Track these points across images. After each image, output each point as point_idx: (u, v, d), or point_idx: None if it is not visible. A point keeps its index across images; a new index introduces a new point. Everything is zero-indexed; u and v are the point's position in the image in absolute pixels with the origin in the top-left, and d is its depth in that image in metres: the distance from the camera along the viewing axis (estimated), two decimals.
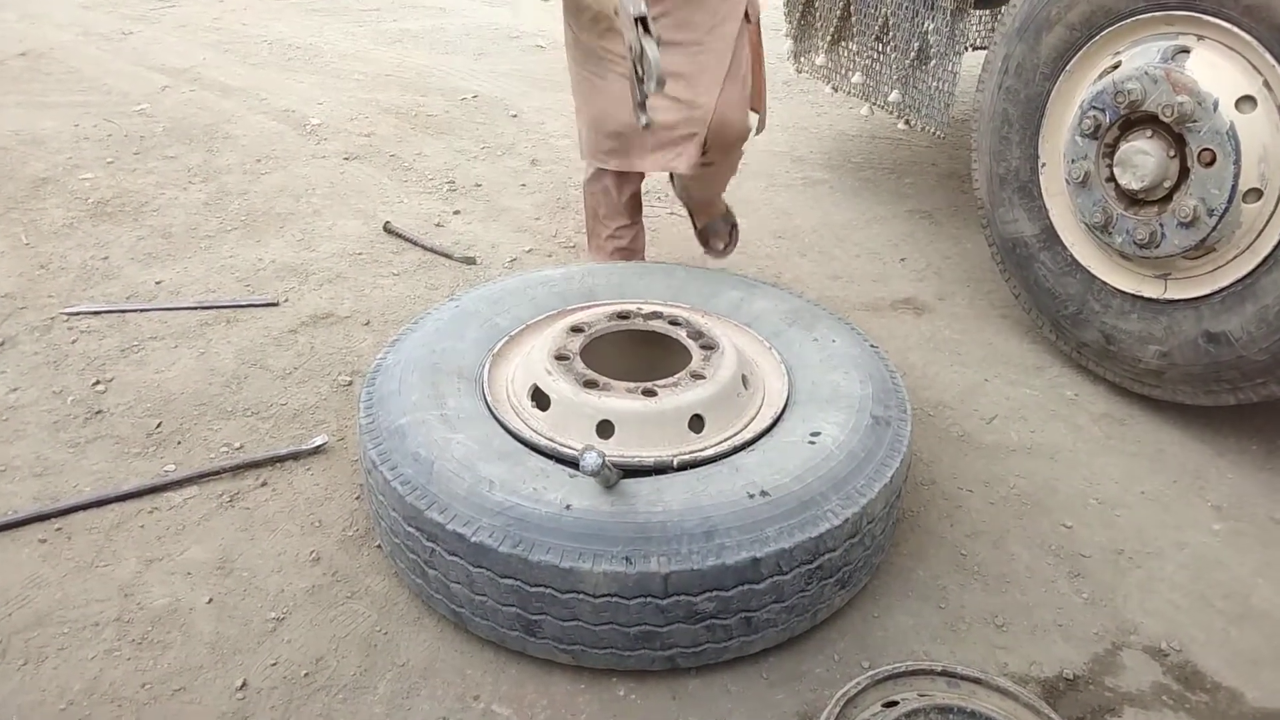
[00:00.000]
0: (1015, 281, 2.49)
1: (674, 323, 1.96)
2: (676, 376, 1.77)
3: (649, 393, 1.71)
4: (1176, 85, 1.93)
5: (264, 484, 1.97)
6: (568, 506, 1.51)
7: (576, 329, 1.91)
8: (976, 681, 1.44)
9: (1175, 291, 2.10)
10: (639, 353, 1.99)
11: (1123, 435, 2.22)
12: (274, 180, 3.44)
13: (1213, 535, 1.93)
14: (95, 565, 1.75)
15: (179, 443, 2.08)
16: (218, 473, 1.98)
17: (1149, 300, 2.14)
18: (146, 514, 1.88)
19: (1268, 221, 1.90)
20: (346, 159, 3.68)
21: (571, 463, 1.62)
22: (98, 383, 2.25)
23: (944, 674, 1.45)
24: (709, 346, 1.86)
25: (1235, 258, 1.97)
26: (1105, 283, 2.24)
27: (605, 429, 1.68)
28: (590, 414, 1.68)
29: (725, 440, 1.72)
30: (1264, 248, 1.91)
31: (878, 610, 1.73)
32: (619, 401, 1.69)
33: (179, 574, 1.74)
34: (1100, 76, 2.14)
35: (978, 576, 1.81)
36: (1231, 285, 1.98)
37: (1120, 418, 2.28)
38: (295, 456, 2.04)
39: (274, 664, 1.58)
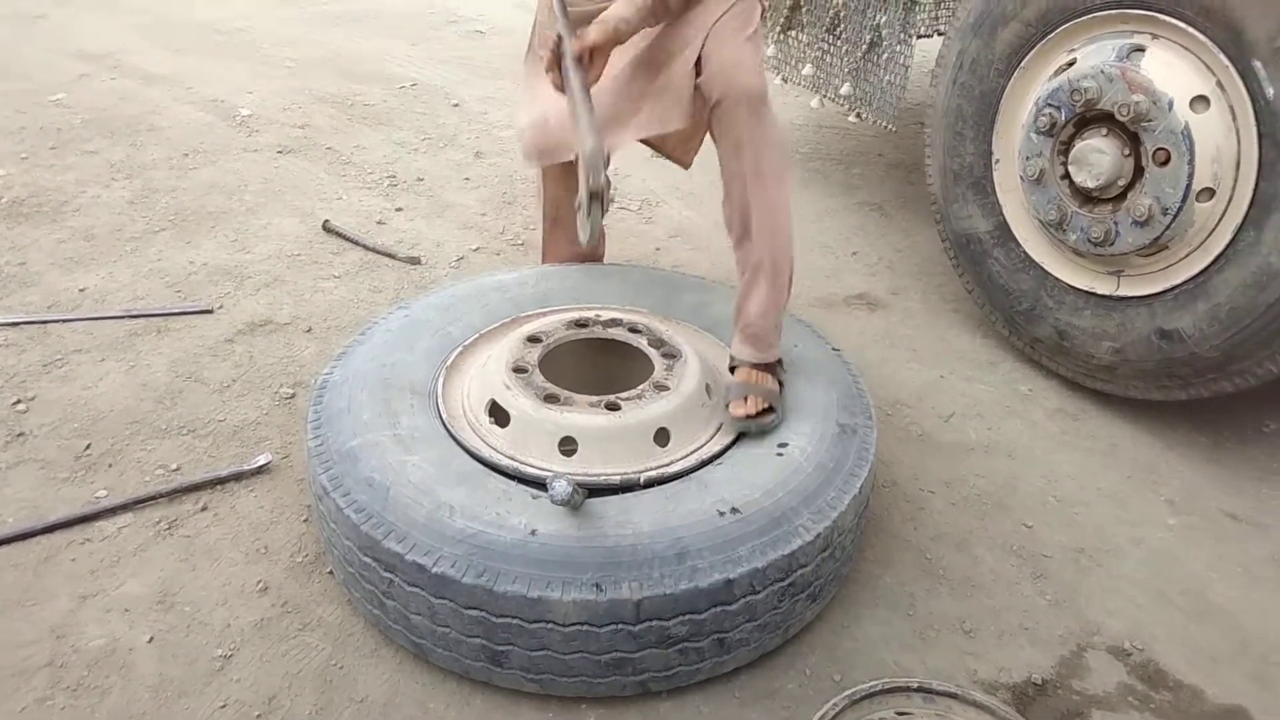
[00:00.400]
0: (969, 277, 2.49)
1: (634, 330, 1.91)
2: (640, 388, 1.72)
3: (612, 406, 1.66)
4: (1132, 84, 1.94)
5: (204, 508, 1.87)
6: (533, 532, 1.45)
7: (534, 339, 1.85)
8: (952, 696, 1.42)
9: (1128, 289, 2.11)
10: (598, 362, 1.93)
11: (1077, 430, 2.24)
12: (204, 176, 3.28)
13: (1168, 530, 1.96)
14: (22, 604, 1.63)
15: (110, 466, 1.96)
16: (154, 498, 1.87)
17: (1102, 297, 2.16)
18: (78, 545, 1.76)
19: (1219, 220, 1.92)
20: (280, 152, 3.53)
21: (535, 483, 1.57)
22: (18, 402, 2.11)
23: (920, 690, 1.43)
24: (671, 355, 1.82)
25: (1187, 256, 1.99)
26: (1058, 279, 2.24)
27: (568, 446, 1.62)
28: (552, 430, 1.63)
29: (692, 454, 1.68)
30: (1216, 246, 1.93)
31: (846, 620, 1.71)
32: (582, 417, 1.63)
33: (116, 611, 1.64)
34: (1055, 74, 2.13)
35: (944, 581, 1.81)
36: (1184, 283, 1.99)
37: (1073, 413, 2.30)
38: (237, 477, 1.94)
39: (223, 706, 1.49)
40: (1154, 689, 1.62)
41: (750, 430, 1.71)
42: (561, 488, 1.38)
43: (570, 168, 2.23)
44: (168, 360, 2.30)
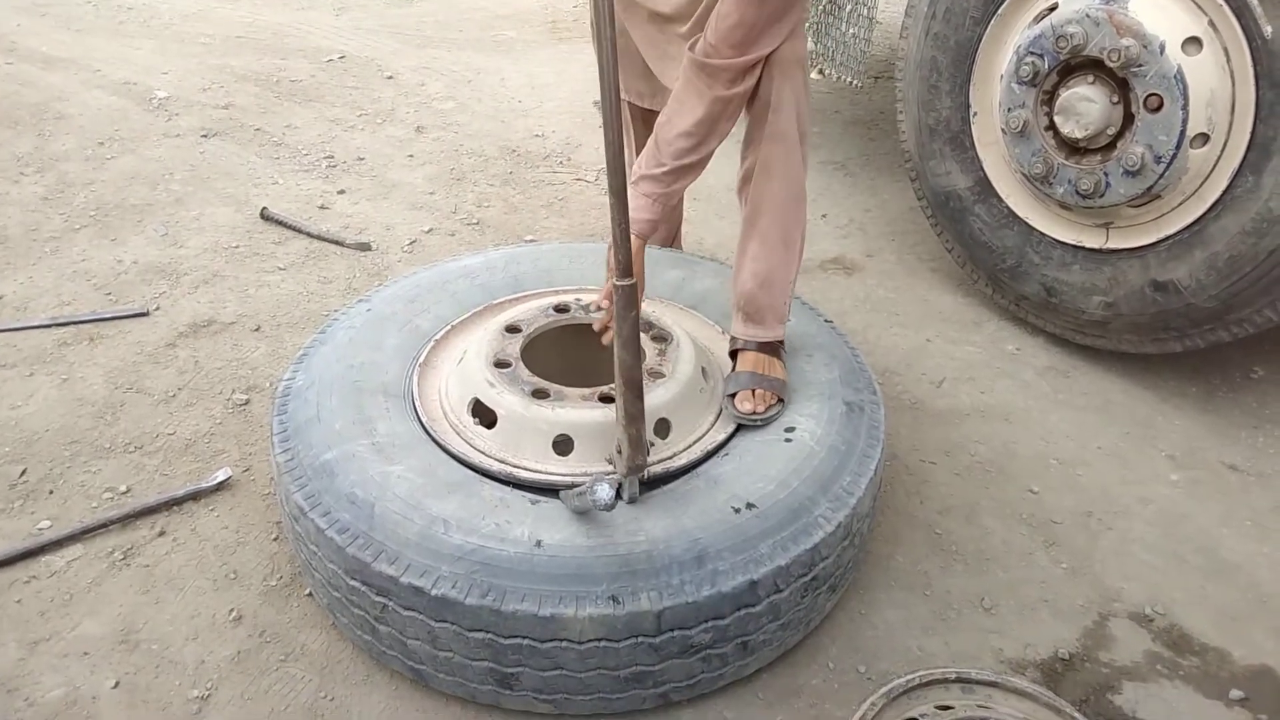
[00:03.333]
0: (949, 235, 2.42)
1: None
2: None
3: (606, 399, 1.54)
4: (1120, 28, 1.86)
5: (162, 533, 1.70)
6: (538, 543, 1.34)
7: (513, 328, 1.72)
8: (993, 685, 1.36)
9: (1118, 241, 2.05)
10: (582, 349, 1.80)
11: (1069, 388, 2.19)
12: (123, 165, 3.04)
13: (1173, 487, 1.92)
14: None
15: (51, 492, 1.78)
16: (104, 525, 1.70)
17: (1091, 251, 2.10)
18: (22, 585, 1.59)
19: (1215, 166, 1.87)
20: (205, 136, 3.29)
21: (532, 488, 1.45)
22: None
23: (958, 681, 1.36)
24: (661, 338, 1.70)
25: (1181, 204, 1.94)
26: (1044, 234, 2.18)
27: (563, 445, 1.50)
28: (545, 429, 1.50)
29: (695, 444, 1.57)
30: (1211, 194, 1.88)
31: (864, 607, 1.63)
32: (576, 412, 1.51)
33: (73, 655, 1.48)
34: (1036, 20, 2.05)
35: (957, 557, 1.74)
36: (1178, 233, 1.94)
37: (1064, 370, 2.25)
38: (195, 496, 1.78)
39: None
40: (1180, 654, 1.58)
41: (754, 424, 1.61)
42: (605, 492, 1.25)
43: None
44: (104, 370, 2.10)
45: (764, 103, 1.63)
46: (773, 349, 1.70)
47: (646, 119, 2.05)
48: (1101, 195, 1.99)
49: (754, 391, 1.62)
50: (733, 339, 1.73)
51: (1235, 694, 1.50)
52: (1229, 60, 1.80)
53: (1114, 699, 1.49)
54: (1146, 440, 2.04)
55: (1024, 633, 1.60)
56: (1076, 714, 1.31)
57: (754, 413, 1.61)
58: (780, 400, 1.64)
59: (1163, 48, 1.82)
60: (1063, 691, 1.49)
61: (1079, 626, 1.62)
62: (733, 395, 1.63)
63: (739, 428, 1.60)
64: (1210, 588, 1.70)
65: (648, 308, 1.81)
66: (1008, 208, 2.24)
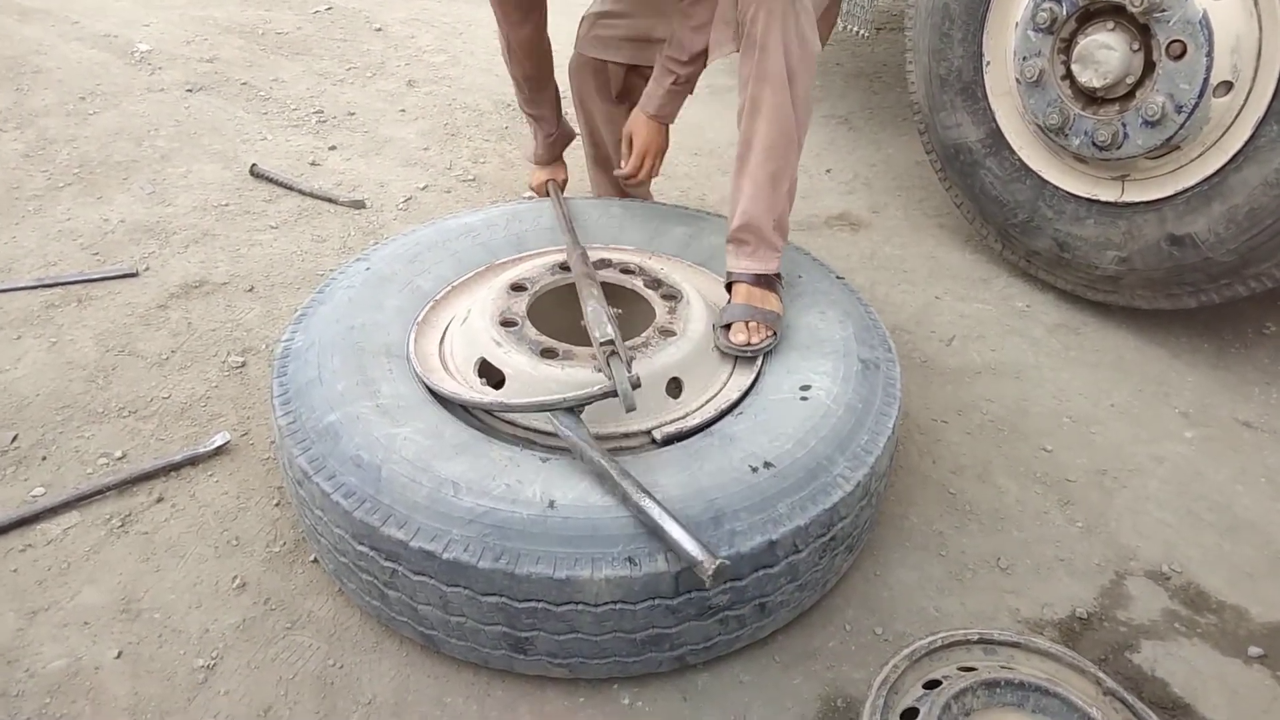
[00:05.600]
0: (958, 190, 2.36)
1: (626, 270, 1.74)
2: (644, 335, 1.56)
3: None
4: None
5: (160, 499, 1.66)
6: (551, 504, 1.30)
7: (518, 287, 1.67)
8: (1015, 646, 1.33)
9: (1134, 194, 2.01)
10: None
11: (1081, 345, 2.16)
12: (106, 121, 2.95)
13: (1186, 444, 1.90)
14: None
15: (44, 458, 1.74)
16: (100, 491, 1.66)
17: (1106, 204, 2.05)
18: (18, 554, 1.55)
19: (1237, 116, 1.82)
20: (190, 91, 3.19)
21: (544, 448, 1.40)
22: None
23: (980, 642, 1.34)
24: (671, 296, 1.66)
25: (1201, 155, 1.89)
26: (1058, 188, 2.13)
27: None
28: (554, 388, 1.46)
29: (708, 403, 1.53)
30: (1233, 144, 1.83)
31: (878, 568, 1.61)
32: (585, 372, 1.47)
33: (73, 625, 1.44)
34: None
35: (971, 516, 1.72)
36: (1197, 185, 1.89)
37: (1075, 327, 2.21)
38: (193, 461, 1.73)
39: None
40: (1198, 612, 1.56)
41: (744, 356, 1.60)
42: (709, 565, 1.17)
43: (611, 108, 2.16)
44: (94, 333, 2.05)
45: (752, 42, 1.61)
46: (767, 282, 1.67)
47: (596, 70, 2.13)
48: (1119, 147, 1.94)
49: (748, 323, 1.61)
50: (728, 273, 1.71)
51: (1254, 651, 1.49)
52: (1257, 4, 1.74)
53: (1132, 658, 1.47)
54: (1159, 397, 2.01)
55: (1041, 592, 1.58)
56: (1101, 674, 1.29)
57: (748, 344, 1.59)
58: (774, 334, 1.62)
59: None
60: (1081, 650, 1.48)
61: (1096, 585, 1.60)
62: (726, 326, 1.61)
63: (752, 387, 1.56)
64: (1226, 545, 1.68)
65: (656, 264, 1.77)
66: (1020, 160, 2.19)
